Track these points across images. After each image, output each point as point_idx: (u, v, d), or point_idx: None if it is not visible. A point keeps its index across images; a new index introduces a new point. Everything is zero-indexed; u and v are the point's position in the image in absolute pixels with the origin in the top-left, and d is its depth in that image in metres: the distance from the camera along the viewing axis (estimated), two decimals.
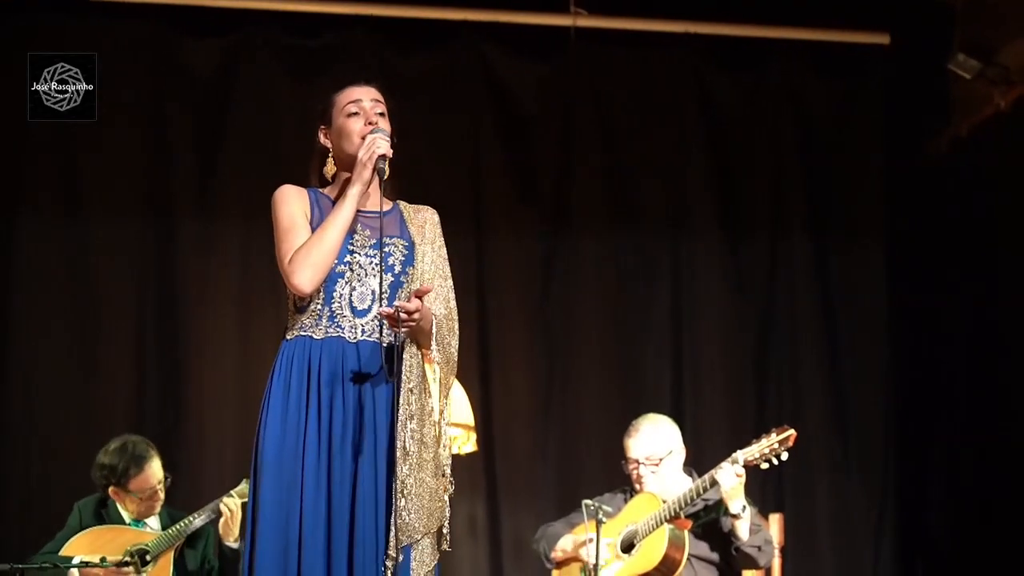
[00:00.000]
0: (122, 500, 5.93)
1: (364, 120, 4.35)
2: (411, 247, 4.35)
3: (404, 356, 4.21)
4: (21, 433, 6.97)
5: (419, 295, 4.14)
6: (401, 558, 4.12)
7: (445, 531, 4.28)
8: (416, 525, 4.14)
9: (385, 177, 4.27)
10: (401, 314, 4.08)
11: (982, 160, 7.13)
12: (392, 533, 4.11)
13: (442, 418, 4.28)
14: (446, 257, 4.42)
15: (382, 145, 4.28)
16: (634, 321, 7.50)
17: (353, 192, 4.25)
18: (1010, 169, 6.94)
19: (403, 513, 4.12)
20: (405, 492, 4.12)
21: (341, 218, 4.23)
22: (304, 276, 4.21)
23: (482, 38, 7.46)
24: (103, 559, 5.69)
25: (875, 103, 7.70)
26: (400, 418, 4.16)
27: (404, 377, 4.20)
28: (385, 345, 4.23)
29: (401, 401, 4.17)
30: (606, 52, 7.56)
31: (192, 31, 7.29)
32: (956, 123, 7.17)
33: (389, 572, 4.10)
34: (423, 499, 4.16)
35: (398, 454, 4.14)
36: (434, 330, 4.23)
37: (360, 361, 4.23)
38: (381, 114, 4.39)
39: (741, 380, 7.52)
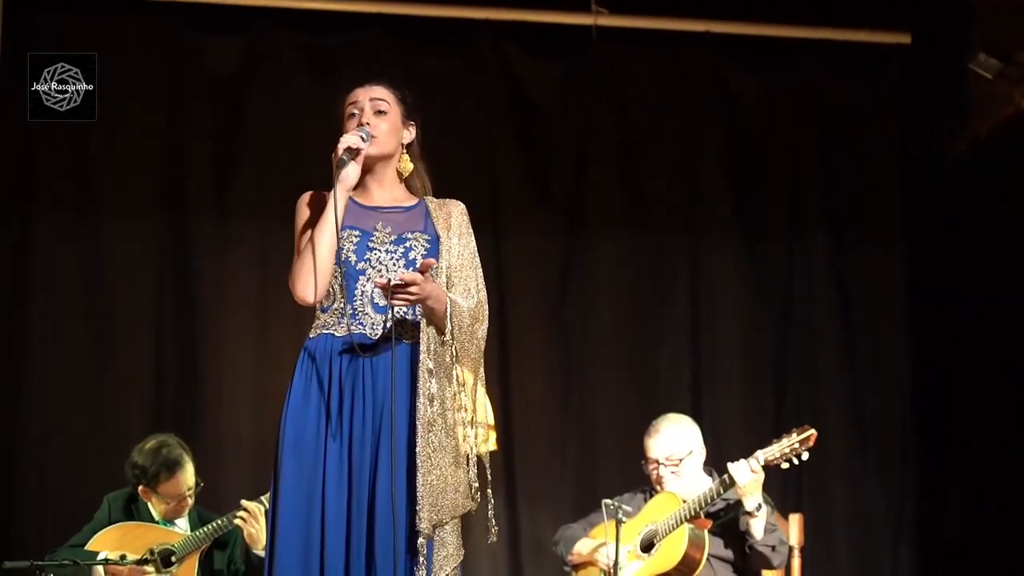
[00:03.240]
0: (150, 499, 5.93)
1: (357, 121, 4.38)
2: (434, 241, 4.35)
3: (422, 338, 4.22)
4: (38, 433, 6.97)
5: (422, 269, 4.16)
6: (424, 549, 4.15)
7: (491, 525, 4.32)
8: (431, 512, 4.14)
9: (346, 168, 4.27)
10: (396, 282, 4.10)
11: (1001, 160, 7.12)
12: (419, 514, 4.13)
13: (463, 400, 4.28)
14: (474, 248, 4.44)
15: (347, 139, 4.29)
16: (652, 321, 7.50)
17: (333, 192, 4.25)
18: None
19: (424, 498, 4.12)
20: (423, 478, 4.13)
21: (326, 222, 4.25)
22: (300, 287, 4.26)
23: (502, 37, 7.46)
24: (123, 556, 5.70)
25: (894, 102, 7.69)
26: (420, 402, 4.17)
27: (423, 358, 4.20)
28: (395, 319, 4.23)
29: (420, 383, 4.18)
30: (627, 51, 7.55)
31: (210, 29, 7.29)
32: (976, 123, 7.15)
33: (424, 554, 4.13)
34: (440, 485, 4.17)
35: (418, 439, 4.14)
36: (448, 310, 4.22)
37: (382, 357, 4.23)
38: (380, 112, 4.41)
39: (759, 380, 7.51)
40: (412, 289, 4.12)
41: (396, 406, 4.18)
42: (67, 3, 7.12)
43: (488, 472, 4.34)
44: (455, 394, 4.27)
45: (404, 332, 4.26)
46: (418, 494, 4.13)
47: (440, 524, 4.19)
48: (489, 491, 4.33)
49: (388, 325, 4.23)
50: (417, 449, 4.15)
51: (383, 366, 4.22)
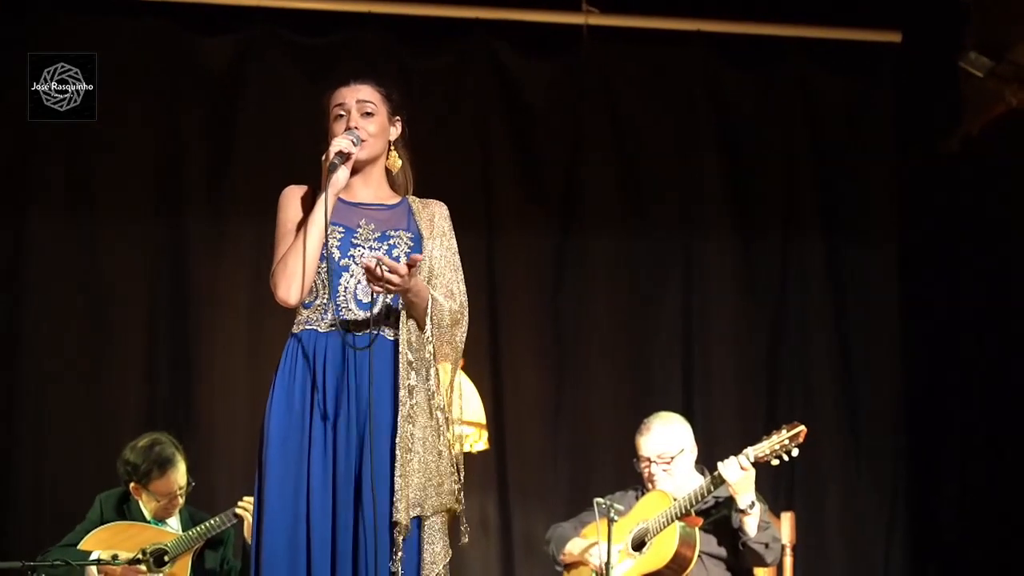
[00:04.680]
0: (141, 497, 5.93)
1: (345, 124, 4.37)
2: (417, 239, 4.35)
3: (402, 331, 4.22)
4: (33, 432, 6.98)
5: (410, 264, 4.14)
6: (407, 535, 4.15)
7: (463, 525, 4.29)
8: (408, 503, 4.14)
9: (337, 173, 4.25)
10: (381, 270, 4.09)
11: (994, 158, 7.13)
12: (396, 504, 4.13)
13: (443, 398, 4.29)
14: (456, 250, 4.43)
15: (338, 143, 4.29)
16: (645, 319, 7.50)
17: (323, 197, 4.23)
18: (1022, 167, 6.93)
19: (402, 490, 4.12)
20: (402, 468, 4.13)
21: (313, 225, 4.23)
22: (283, 289, 4.25)
23: (494, 36, 7.46)
24: (115, 556, 5.70)
25: (887, 101, 7.69)
26: (400, 395, 4.18)
27: (402, 350, 4.21)
28: (377, 307, 4.23)
29: (400, 375, 4.19)
30: (618, 50, 7.56)
31: (203, 29, 7.30)
32: (968, 121, 7.15)
33: (399, 547, 4.13)
34: (425, 477, 4.17)
35: (398, 430, 4.15)
36: (428, 307, 4.22)
37: (364, 353, 4.23)
38: (368, 114, 4.39)
39: (752, 379, 7.51)
40: (394, 279, 4.11)
41: (378, 398, 4.18)
42: (65, 3, 7.13)
43: (462, 475, 4.33)
44: (434, 392, 4.27)
45: (389, 324, 4.26)
46: (396, 484, 4.13)
47: (424, 516, 4.19)
48: (461, 494, 4.31)
49: (376, 310, 4.23)
50: (396, 439, 4.15)
51: (366, 359, 4.23)
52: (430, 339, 4.24)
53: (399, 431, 4.16)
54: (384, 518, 4.13)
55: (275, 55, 7.35)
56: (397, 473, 4.13)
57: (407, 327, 4.23)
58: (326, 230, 4.23)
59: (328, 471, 4.18)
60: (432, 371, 4.25)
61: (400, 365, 4.20)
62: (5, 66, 6.83)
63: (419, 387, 4.21)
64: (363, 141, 4.34)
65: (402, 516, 4.12)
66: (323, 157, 4.29)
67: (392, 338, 4.25)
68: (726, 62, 7.64)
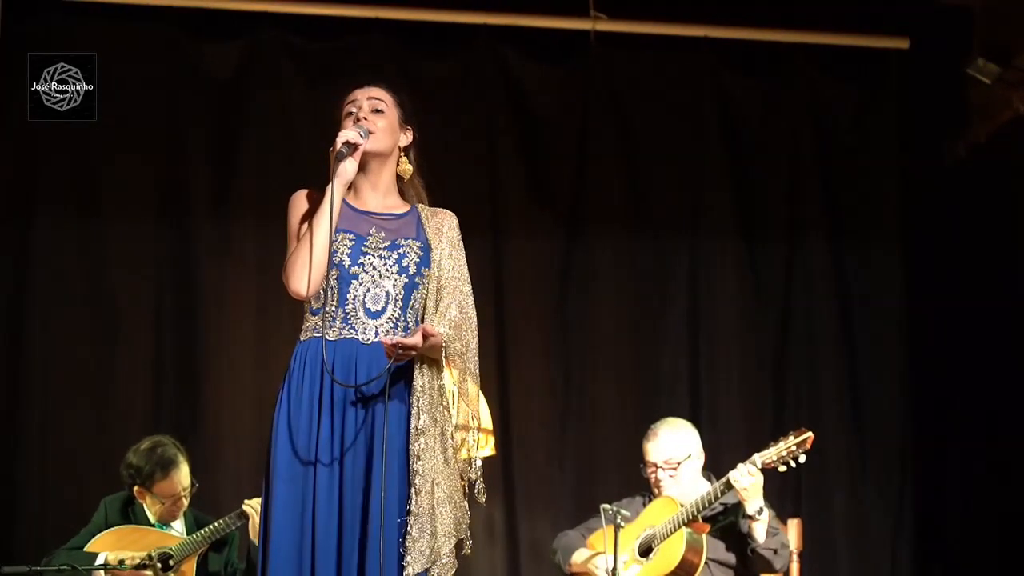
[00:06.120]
0: (145, 500, 5.94)
1: (355, 119, 4.40)
2: (426, 249, 4.36)
3: (415, 375, 4.23)
4: (39, 436, 6.97)
5: (424, 335, 4.16)
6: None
7: (467, 539, 4.29)
8: (427, 548, 4.15)
9: (344, 163, 4.29)
10: (398, 350, 4.13)
11: (1001, 164, 7.12)
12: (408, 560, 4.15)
13: (466, 422, 4.29)
14: (464, 260, 4.44)
15: (345, 134, 4.31)
16: (651, 324, 7.49)
17: (330, 188, 4.26)
18: None
19: (414, 535, 4.14)
20: (417, 512, 4.15)
21: (322, 216, 4.26)
22: (295, 280, 4.26)
23: (501, 41, 7.46)
24: (121, 562, 5.70)
25: (893, 108, 7.68)
26: (412, 436, 4.19)
27: (416, 396, 4.22)
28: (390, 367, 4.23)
29: (412, 420, 4.20)
30: (625, 56, 7.55)
31: (209, 34, 7.29)
32: (975, 128, 7.16)
33: None
34: (436, 518, 4.18)
35: (412, 470, 4.16)
36: (444, 351, 4.25)
37: (373, 363, 4.24)
38: (377, 110, 4.42)
39: (758, 383, 7.50)
40: (410, 354, 4.17)
41: (390, 419, 4.19)
42: (63, 7, 7.12)
43: (478, 479, 4.33)
44: (453, 427, 4.27)
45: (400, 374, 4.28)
46: (407, 540, 4.14)
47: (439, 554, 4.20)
48: (466, 503, 4.31)
49: (390, 366, 4.22)
50: (410, 478, 4.18)
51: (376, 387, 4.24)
52: (453, 384, 4.25)
53: (412, 474, 4.17)
54: (392, 540, 4.13)
55: (281, 60, 7.34)
56: (410, 528, 4.14)
57: (421, 373, 4.25)
58: (332, 221, 4.23)
59: (335, 484, 4.19)
60: (452, 407, 4.26)
61: (412, 410, 4.22)
62: (10, 67, 6.82)
63: (431, 427, 4.22)
64: (371, 133, 4.35)
65: (412, 571, 4.14)
66: (330, 149, 4.32)
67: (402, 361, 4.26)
68: (733, 68, 7.63)
